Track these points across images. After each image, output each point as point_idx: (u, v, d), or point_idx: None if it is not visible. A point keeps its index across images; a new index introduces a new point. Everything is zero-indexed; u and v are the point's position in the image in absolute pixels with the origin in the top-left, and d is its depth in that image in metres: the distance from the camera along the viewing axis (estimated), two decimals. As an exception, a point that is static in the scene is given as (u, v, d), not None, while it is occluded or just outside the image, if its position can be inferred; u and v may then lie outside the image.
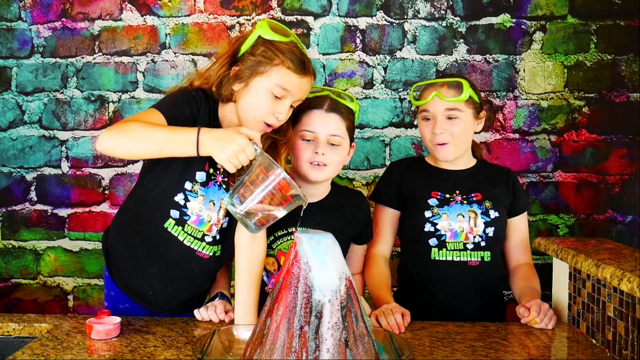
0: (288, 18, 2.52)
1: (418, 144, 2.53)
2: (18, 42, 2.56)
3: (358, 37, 2.53)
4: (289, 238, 1.69)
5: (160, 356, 1.33)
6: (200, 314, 1.60)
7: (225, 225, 1.61)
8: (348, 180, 2.54)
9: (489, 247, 1.79)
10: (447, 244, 1.78)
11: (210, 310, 1.60)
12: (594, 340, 1.53)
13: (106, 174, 2.57)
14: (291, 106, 1.55)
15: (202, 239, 1.57)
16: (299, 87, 1.53)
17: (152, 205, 1.57)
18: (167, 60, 2.55)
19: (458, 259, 1.78)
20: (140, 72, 2.55)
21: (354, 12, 2.52)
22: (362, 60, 2.53)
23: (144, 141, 1.40)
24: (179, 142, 1.38)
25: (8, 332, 1.54)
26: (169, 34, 2.54)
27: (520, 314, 1.62)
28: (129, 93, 2.56)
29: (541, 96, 2.52)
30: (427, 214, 1.80)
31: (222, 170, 1.58)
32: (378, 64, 2.53)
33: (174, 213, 1.54)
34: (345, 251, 1.73)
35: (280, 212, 1.37)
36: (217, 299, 1.66)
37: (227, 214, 1.59)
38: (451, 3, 2.51)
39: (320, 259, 1.12)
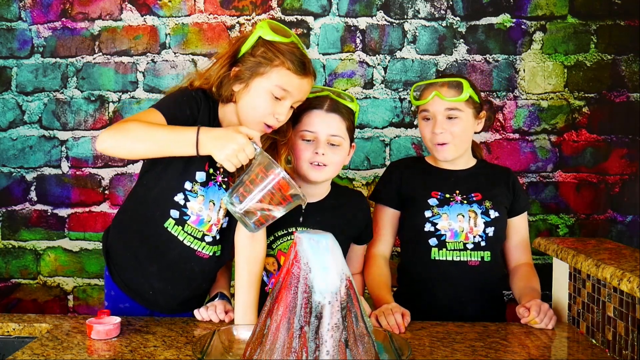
0: (288, 18, 2.52)
1: (418, 144, 2.53)
2: (18, 42, 2.56)
3: (358, 37, 2.53)
4: (289, 238, 1.69)
5: (160, 356, 1.33)
6: (200, 314, 1.60)
7: (225, 225, 1.61)
8: (348, 180, 2.54)
9: (489, 247, 1.79)
10: (447, 243, 1.78)
11: (210, 310, 1.60)
12: (594, 340, 1.53)
13: (106, 174, 2.57)
14: (291, 107, 1.55)
15: (202, 239, 1.57)
16: (299, 88, 1.52)
17: (152, 205, 1.57)
18: (167, 60, 2.55)
19: (458, 259, 1.78)
20: (140, 72, 2.55)
21: (354, 12, 2.52)
22: (362, 60, 2.53)
23: (143, 141, 1.40)
24: (179, 142, 1.39)
25: (8, 332, 1.54)
26: (169, 34, 2.54)
27: (520, 314, 1.62)
28: (129, 93, 2.56)
29: (541, 96, 2.52)
30: (427, 213, 1.80)
31: (222, 170, 1.58)
32: (378, 64, 2.53)
33: (174, 213, 1.54)
34: (345, 251, 1.73)
35: (280, 212, 1.38)
36: (217, 299, 1.66)
37: (227, 214, 1.59)
38: (451, 3, 2.51)
39: (320, 260, 1.12)
